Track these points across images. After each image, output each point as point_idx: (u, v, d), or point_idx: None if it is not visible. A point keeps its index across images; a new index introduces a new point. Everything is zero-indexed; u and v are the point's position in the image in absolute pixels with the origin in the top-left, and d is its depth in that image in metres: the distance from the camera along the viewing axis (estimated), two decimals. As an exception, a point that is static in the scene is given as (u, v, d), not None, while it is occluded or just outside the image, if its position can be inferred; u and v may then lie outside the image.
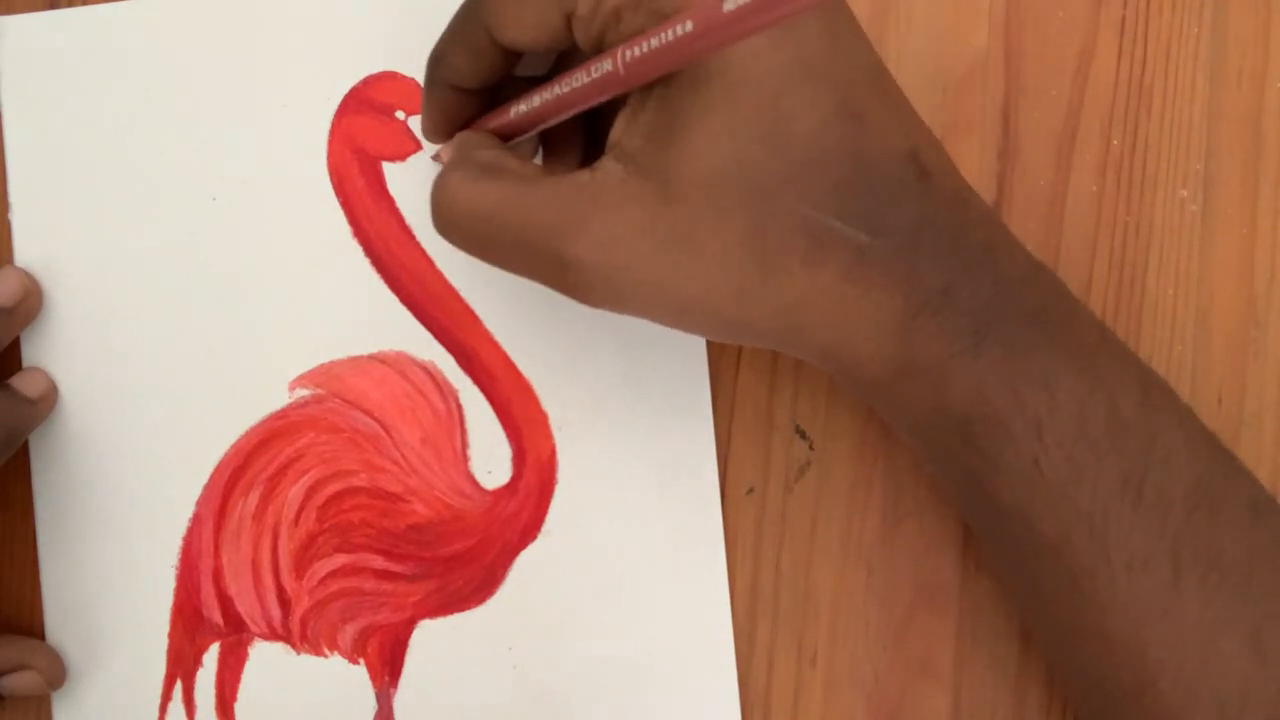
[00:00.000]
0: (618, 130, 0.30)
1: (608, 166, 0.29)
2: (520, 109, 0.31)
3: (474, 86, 0.32)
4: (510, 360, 0.37)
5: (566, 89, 0.29)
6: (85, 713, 0.37)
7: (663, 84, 0.28)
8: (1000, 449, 0.30)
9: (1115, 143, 0.37)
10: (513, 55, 0.31)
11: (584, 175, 0.29)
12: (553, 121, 0.31)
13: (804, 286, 0.29)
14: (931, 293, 0.29)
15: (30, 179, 0.37)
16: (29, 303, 0.37)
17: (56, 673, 0.37)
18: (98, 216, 0.37)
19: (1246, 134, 0.37)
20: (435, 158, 0.37)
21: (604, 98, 0.29)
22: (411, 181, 0.37)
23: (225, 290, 0.37)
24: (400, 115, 0.37)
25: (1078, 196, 0.37)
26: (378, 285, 0.37)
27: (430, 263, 0.37)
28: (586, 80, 0.28)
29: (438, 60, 0.32)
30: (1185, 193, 0.37)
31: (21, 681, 0.36)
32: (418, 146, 0.37)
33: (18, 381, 0.37)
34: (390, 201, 0.37)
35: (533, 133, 0.32)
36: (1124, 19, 0.37)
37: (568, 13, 0.29)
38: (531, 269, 0.30)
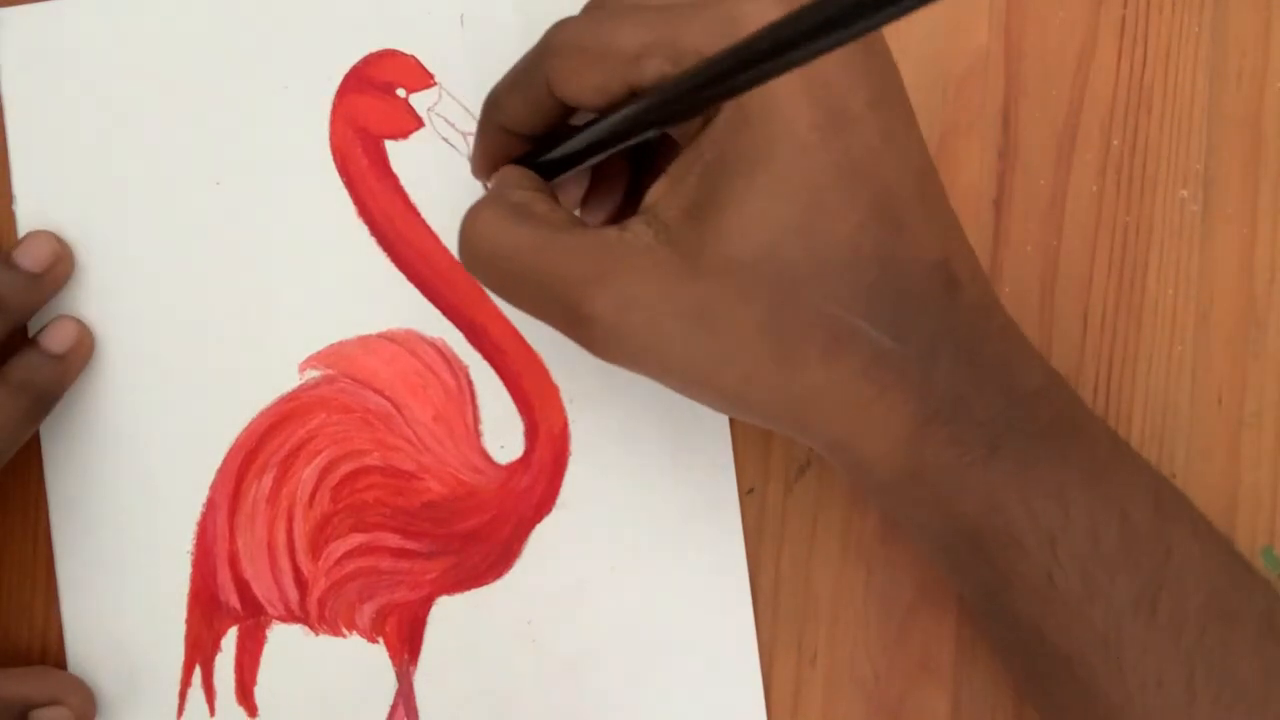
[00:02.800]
0: (654, 195, 0.30)
1: (637, 229, 0.29)
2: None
3: (526, 133, 0.32)
4: (519, 334, 0.37)
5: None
6: (104, 700, 0.38)
7: (707, 160, 0.28)
8: (1014, 562, 0.29)
9: (1115, 143, 0.37)
10: (569, 109, 0.31)
11: (611, 233, 0.29)
12: (592, 161, 0.31)
13: (819, 380, 0.28)
14: (944, 401, 0.29)
15: (33, 169, 0.38)
16: (59, 269, 0.36)
17: (88, 710, 0.37)
18: (102, 205, 0.38)
19: (1246, 134, 0.37)
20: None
21: (641, 135, 0.28)
22: (415, 159, 0.37)
23: (231, 274, 0.38)
24: (401, 93, 0.37)
25: (1078, 196, 0.37)
26: (384, 263, 0.38)
27: (436, 239, 0.37)
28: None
29: (494, 104, 0.32)
30: (1185, 193, 0.37)
31: (52, 716, 0.36)
32: (420, 124, 0.37)
33: (45, 336, 0.36)
34: (394, 180, 0.37)
35: (573, 171, 0.32)
36: (1124, 19, 0.37)
37: (631, 85, 0.29)
38: (549, 316, 0.30)
